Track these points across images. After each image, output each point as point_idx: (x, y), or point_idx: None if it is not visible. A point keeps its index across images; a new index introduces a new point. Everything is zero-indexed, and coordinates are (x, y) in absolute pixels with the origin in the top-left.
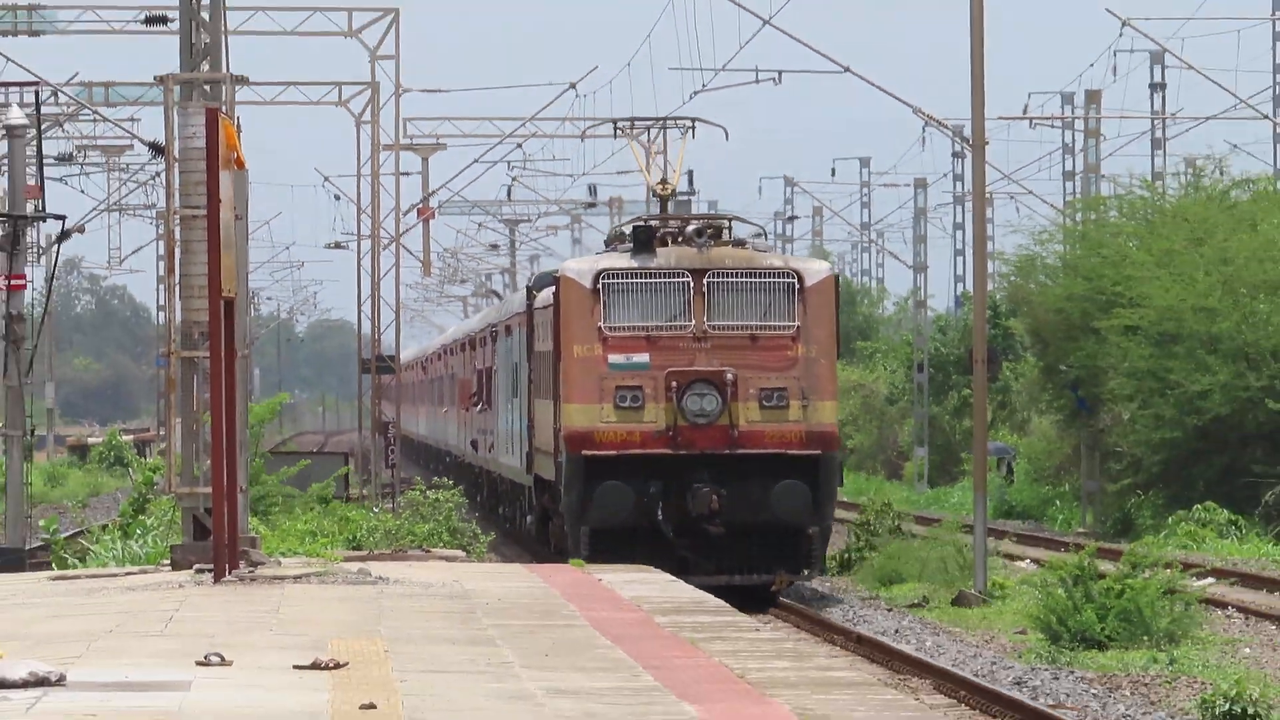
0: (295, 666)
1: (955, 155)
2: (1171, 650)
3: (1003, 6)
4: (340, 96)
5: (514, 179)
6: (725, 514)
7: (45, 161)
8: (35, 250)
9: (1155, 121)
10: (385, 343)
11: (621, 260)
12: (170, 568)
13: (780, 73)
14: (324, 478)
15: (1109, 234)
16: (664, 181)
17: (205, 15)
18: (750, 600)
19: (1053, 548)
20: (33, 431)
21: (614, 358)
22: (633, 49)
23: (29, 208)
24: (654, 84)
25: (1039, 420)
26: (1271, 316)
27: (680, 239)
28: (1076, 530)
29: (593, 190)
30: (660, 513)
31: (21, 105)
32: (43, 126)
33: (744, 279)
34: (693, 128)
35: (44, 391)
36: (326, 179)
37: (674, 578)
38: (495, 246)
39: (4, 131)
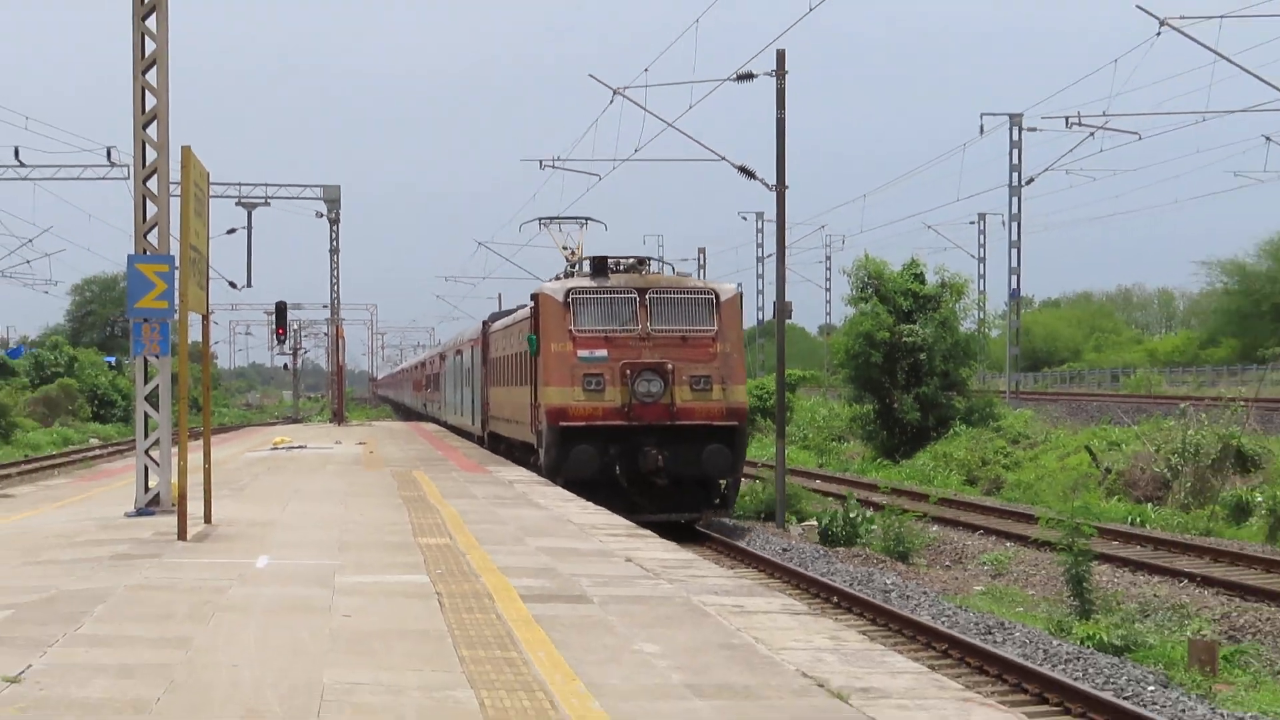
0: (357, 443)
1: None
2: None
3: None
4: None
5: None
6: (667, 469)
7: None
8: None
9: None
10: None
11: (585, 282)
12: (331, 422)
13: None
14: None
15: None
16: (573, 252)
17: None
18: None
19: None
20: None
21: (582, 352)
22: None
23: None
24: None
25: None
26: None
27: (623, 269)
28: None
29: (431, 332)
30: (617, 468)
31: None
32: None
33: (676, 295)
34: (586, 223)
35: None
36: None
37: (439, 425)
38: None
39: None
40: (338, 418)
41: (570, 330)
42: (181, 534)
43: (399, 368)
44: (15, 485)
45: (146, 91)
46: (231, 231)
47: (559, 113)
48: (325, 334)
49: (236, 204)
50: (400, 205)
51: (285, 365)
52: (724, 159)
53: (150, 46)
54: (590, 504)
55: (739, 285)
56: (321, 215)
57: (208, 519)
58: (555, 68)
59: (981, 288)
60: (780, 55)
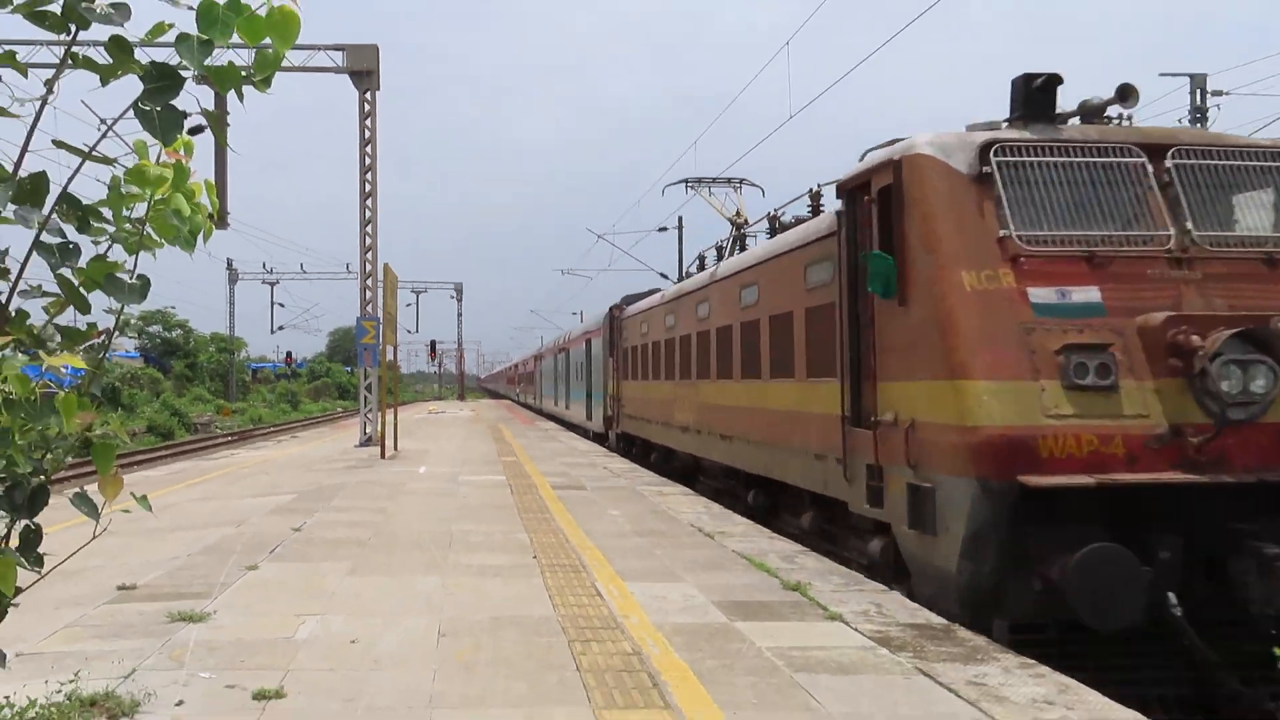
0: (470, 410)
1: None
2: None
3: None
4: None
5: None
6: None
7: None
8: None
9: None
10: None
11: (1017, 133)
12: (457, 400)
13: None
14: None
15: None
16: (738, 213)
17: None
18: None
19: None
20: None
21: (1037, 293)
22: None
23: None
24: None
25: None
26: None
27: (1085, 115)
28: None
29: (508, 355)
30: (1171, 597)
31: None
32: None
33: (1234, 163)
34: (740, 185)
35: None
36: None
37: (515, 403)
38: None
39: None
40: (460, 398)
41: (1002, 237)
42: (381, 455)
43: (493, 371)
44: (300, 432)
45: (367, 235)
46: (408, 305)
47: (559, 251)
48: (454, 355)
49: (411, 291)
50: (494, 283)
51: (434, 371)
52: (651, 269)
53: (368, 213)
54: (594, 443)
55: None
56: (453, 297)
57: (395, 448)
58: (561, 218)
59: None
60: (680, 220)
